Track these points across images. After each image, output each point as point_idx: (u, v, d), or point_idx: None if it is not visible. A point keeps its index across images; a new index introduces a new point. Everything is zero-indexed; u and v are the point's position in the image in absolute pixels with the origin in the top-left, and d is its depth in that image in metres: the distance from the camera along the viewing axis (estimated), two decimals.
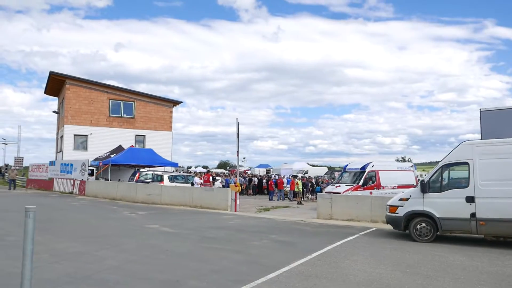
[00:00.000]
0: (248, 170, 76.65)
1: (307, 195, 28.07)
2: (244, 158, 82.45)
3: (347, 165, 20.60)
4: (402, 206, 10.70)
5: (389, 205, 11.06)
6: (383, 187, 18.02)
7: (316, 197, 29.54)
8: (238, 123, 18.15)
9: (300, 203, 24.55)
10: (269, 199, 27.62)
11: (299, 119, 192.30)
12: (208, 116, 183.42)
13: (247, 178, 36.25)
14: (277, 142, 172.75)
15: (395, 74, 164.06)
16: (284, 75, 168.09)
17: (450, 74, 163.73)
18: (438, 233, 10.29)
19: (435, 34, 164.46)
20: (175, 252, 8.64)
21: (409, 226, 10.54)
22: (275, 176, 34.73)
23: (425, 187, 10.38)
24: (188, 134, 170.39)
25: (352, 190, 17.22)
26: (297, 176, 30.73)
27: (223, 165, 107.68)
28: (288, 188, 28.37)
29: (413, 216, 10.52)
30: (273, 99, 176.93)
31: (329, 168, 68.74)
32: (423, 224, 10.37)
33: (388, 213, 11.10)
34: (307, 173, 53.96)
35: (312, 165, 74.39)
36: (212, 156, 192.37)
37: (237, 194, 17.71)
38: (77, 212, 16.60)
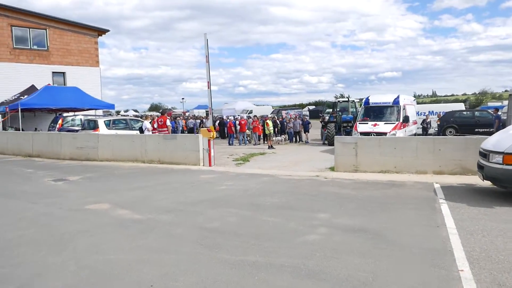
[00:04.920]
0: (187, 111, 71.07)
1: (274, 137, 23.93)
2: (183, 98, 76.34)
3: (368, 98, 16.21)
4: None
5: (503, 153, 6.79)
6: (408, 124, 14.05)
7: (284, 139, 25.72)
8: (207, 41, 12.62)
9: (271, 147, 20.29)
10: (229, 144, 23.36)
11: (227, 59, 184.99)
12: (131, 58, 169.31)
13: (198, 121, 31.16)
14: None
15: (318, 13, 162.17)
16: (209, 14, 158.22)
17: (370, 14, 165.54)
18: None
19: None
20: None
21: None
22: (228, 118, 29.99)
23: None
24: (111, 77, 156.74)
25: (398, 129, 12.95)
26: (267, 116, 26.18)
27: (154, 108, 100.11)
28: (250, 130, 24.17)
29: None
30: (199, 39, 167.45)
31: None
32: None
33: (497, 166, 6.87)
34: (251, 112, 50.24)
35: (256, 105, 70.72)
36: (140, 100, 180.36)
37: (211, 142, 12.68)
38: None
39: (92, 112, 24.82)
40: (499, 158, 6.85)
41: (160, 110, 15.55)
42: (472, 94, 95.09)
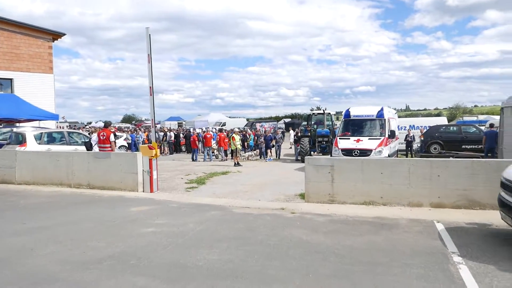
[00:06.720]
0: (158, 123, 67.99)
1: (241, 152, 21.59)
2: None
3: (348, 110, 14.08)
4: None
5: None
6: (392, 140, 11.96)
7: (254, 154, 23.36)
8: (149, 36, 10.16)
9: (238, 164, 17.89)
10: (192, 160, 20.90)
11: (204, 72, 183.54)
12: (107, 69, 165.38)
13: (161, 133, 28.41)
14: (183, 95, 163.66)
15: (296, 28, 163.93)
16: (186, 26, 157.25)
17: (345, 29, 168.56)
18: None
19: None
20: None
21: None
22: (194, 130, 27.46)
23: None
24: (86, 87, 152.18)
25: (384, 145, 10.82)
26: (234, 129, 23.85)
27: (127, 119, 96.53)
28: (216, 145, 21.88)
29: None
30: (176, 50, 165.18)
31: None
32: None
33: None
34: (224, 125, 48.43)
35: (230, 117, 68.69)
36: (116, 111, 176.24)
37: (154, 162, 10.12)
38: None
39: (36, 123, 21.83)
40: None
41: (105, 122, 12.89)
42: (444, 108, 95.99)
